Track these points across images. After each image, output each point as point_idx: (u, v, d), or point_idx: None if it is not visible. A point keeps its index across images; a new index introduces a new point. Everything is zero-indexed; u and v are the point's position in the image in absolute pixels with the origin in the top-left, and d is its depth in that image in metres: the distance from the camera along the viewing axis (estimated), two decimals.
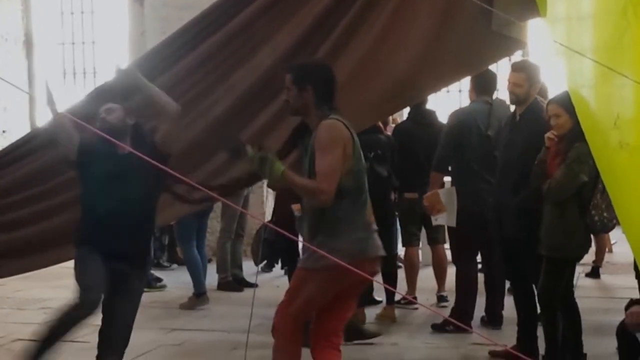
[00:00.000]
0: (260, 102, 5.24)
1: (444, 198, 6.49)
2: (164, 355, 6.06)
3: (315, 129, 4.26)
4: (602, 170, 4.13)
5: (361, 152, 4.37)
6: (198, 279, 7.96)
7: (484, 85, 6.51)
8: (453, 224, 6.50)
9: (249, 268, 8.90)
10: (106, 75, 12.20)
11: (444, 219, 6.55)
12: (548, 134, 5.17)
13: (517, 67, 5.76)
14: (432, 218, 6.66)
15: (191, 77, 5.31)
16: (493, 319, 6.59)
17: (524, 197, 5.42)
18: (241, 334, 6.64)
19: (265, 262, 7.96)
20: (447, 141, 6.48)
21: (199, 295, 7.89)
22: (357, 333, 5.97)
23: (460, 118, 6.53)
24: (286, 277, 7.23)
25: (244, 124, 5.25)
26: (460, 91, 12.22)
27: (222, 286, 8.58)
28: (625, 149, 4.02)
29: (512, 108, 6.10)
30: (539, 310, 5.48)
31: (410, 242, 7.50)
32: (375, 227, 4.42)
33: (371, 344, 6.22)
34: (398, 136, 7.18)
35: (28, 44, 12.54)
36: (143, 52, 10.91)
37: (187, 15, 5.56)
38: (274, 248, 7.16)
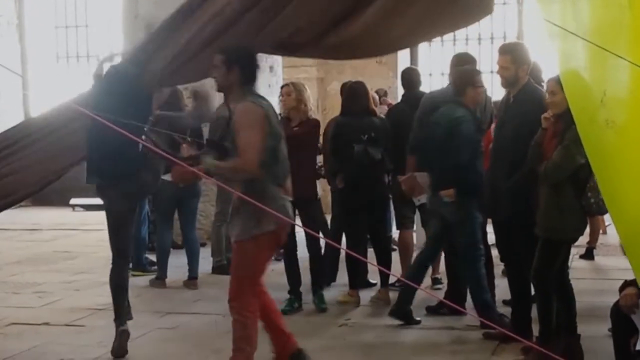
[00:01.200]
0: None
1: (421, 180, 6.50)
2: (158, 339, 6.07)
3: (234, 108, 4.81)
4: (588, 148, 4.18)
5: (278, 130, 4.85)
6: (161, 263, 8.15)
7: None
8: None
9: None
10: (99, 58, 12.27)
11: (425, 198, 6.59)
12: (544, 115, 5.16)
13: (502, 50, 5.75)
14: (415, 200, 6.69)
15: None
16: None
17: (518, 179, 5.42)
18: None
19: None
20: (419, 123, 6.53)
21: (158, 279, 8.03)
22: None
23: (431, 100, 6.55)
24: (281, 261, 7.23)
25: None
26: (442, 74, 12.24)
27: (217, 270, 8.57)
28: (612, 128, 4.07)
29: (493, 95, 6.15)
30: (533, 292, 5.49)
31: (404, 224, 7.51)
32: (289, 197, 4.93)
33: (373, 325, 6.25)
34: (392, 119, 7.18)
35: (21, 27, 12.49)
36: (136, 36, 10.98)
37: None
38: None
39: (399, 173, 6.81)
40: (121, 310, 5.63)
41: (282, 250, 7.12)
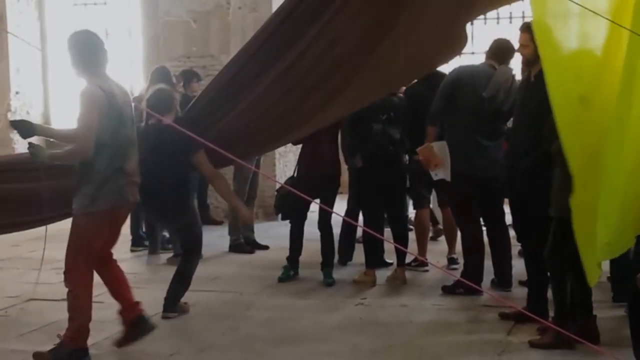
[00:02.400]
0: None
1: (438, 151, 6.51)
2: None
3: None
4: (560, 124, 4.57)
5: (121, 112, 4.98)
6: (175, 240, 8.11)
7: (495, 50, 6.55)
8: (448, 177, 6.57)
9: (260, 230, 8.94)
10: (117, 36, 12.30)
11: (443, 173, 6.59)
12: None
13: (522, 28, 5.77)
14: (432, 174, 6.69)
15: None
16: (503, 281, 6.61)
17: (535, 158, 5.42)
18: (253, 295, 6.73)
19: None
20: (442, 95, 6.55)
21: (176, 256, 8.04)
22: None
23: (459, 74, 6.60)
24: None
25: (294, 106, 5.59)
26: (473, 53, 12.15)
27: (234, 248, 8.62)
28: (583, 104, 4.25)
29: (518, 76, 6.15)
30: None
31: (421, 204, 7.52)
32: (136, 179, 5.12)
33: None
34: (409, 98, 7.16)
35: (40, 4, 12.49)
36: (154, 13, 11.00)
37: None
38: (285, 202, 7.27)
39: (415, 152, 6.81)
40: None
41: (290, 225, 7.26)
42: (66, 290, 5.07)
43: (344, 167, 7.50)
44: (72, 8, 12.84)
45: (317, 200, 6.44)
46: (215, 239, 9.11)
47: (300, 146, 7.32)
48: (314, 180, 6.47)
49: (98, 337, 5.44)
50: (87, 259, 5.04)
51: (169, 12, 10.77)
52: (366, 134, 6.87)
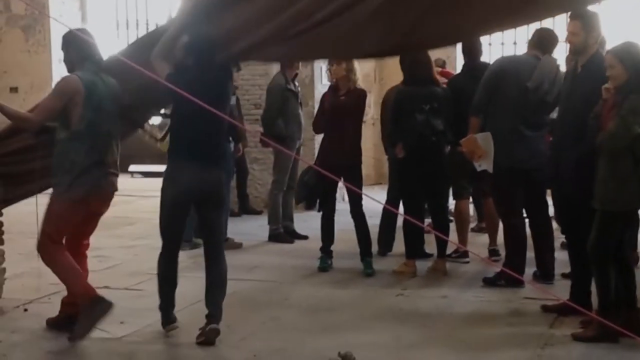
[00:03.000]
0: None
1: (482, 142, 6.44)
2: None
3: None
4: None
5: (100, 105, 5.09)
6: None
7: (538, 39, 6.48)
8: (490, 169, 6.49)
9: (299, 220, 8.93)
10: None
11: (486, 164, 6.51)
12: (605, 86, 5.07)
13: (573, 15, 5.66)
14: (475, 165, 6.61)
15: None
16: (545, 274, 6.53)
17: (582, 150, 5.34)
18: (292, 284, 6.73)
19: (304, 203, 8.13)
20: (485, 86, 6.47)
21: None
22: None
23: (502, 65, 6.54)
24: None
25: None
26: (515, 44, 12.05)
27: (274, 238, 8.63)
28: None
29: (563, 67, 6.07)
30: None
31: (461, 195, 7.47)
32: (113, 169, 5.27)
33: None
34: (452, 89, 7.09)
35: None
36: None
37: None
38: (313, 191, 7.25)
39: (458, 144, 6.74)
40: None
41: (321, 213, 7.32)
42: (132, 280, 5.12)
43: (385, 158, 7.48)
44: None
45: (341, 185, 6.43)
46: (255, 228, 9.15)
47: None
48: (334, 170, 6.42)
49: (139, 324, 5.48)
50: (55, 240, 5.19)
51: None
52: (409, 124, 6.82)
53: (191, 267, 7.43)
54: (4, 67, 12.39)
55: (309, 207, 8.38)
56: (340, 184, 7.35)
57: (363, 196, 6.59)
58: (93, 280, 6.45)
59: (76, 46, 5.24)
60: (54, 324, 5.42)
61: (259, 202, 10.57)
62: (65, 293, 5.50)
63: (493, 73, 6.47)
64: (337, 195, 7.47)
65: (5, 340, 5.18)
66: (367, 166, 13.47)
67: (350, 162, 6.99)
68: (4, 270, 5.83)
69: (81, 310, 5.15)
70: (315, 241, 7.70)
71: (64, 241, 5.28)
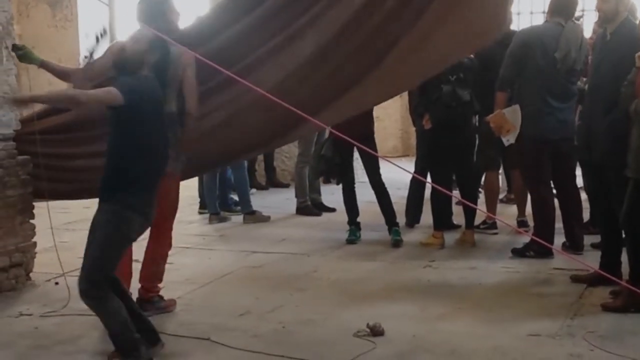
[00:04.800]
0: (347, 41, 5.27)
1: (510, 116, 6.35)
2: (245, 276, 6.15)
3: None
4: None
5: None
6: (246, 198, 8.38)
7: (559, 6, 6.32)
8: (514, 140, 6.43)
9: (327, 192, 8.92)
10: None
11: (514, 137, 6.43)
12: (638, 53, 4.98)
13: None
14: (503, 139, 6.53)
15: (277, 18, 5.37)
16: (574, 244, 6.48)
17: (614, 118, 5.27)
18: (320, 257, 6.73)
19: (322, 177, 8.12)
20: (510, 60, 6.36)
21: (250, 213, 8.24)
22: None
23: (526, 37, 6.41)
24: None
25: (329, 63, 5.31)
26: (531, 13, 11.93)
27: (301, 210, 8.64)
28: None
29: (588, 32, 5.95)
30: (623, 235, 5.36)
31: (490, 166, 7.41)
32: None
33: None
34: (480, 58, 7.01)
35: None
36: None
37: None
38: (330, 164, 7.25)
39: (486, 114, 6.68)
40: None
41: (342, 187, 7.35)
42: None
43: (413, 130, 7.43)
44: None
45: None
46: (283, 201, 9.18)
47: None
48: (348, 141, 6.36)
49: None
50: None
51: None
52: (435, 95, 6.77)
53: (218, 240, 7.50)
54: (32, 42, 12.36)
55: (327, 180, 8.35)
56: (357, 155, 7.33)
57: (390, 168, 6.56)
58: None
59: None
60: None
61: (286, 175, 10.59)
62: None
63: (517, 45, 6.34)
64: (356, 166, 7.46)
65: (36, 313, 5.24)
66: (394, 138, 13.48)
67: (363, 131, 6.84)
68: (34, 244, 5.88)
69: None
70: (342, 213, 7.69)
71: None
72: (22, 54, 5.44)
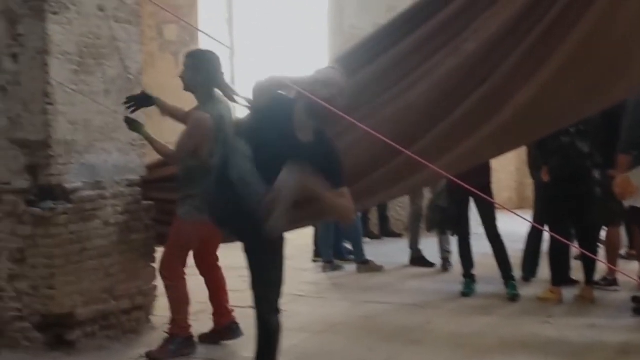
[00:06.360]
0: (465, 90, 5.21)
1: (636, 179, 6.13)
2: (359, 326, 6.14)
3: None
4: None
5: (227, 136, 5.18)
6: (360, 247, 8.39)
7: None
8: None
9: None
10: (301, 51, 12.54)
11: (636, 200, 6.21)
12: None
13: None
14: (624, 203, 6.30)
15: (397, 68, 5.39)
16: None
17: None
18: (434, 309, 6.67)
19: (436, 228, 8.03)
20: (634, 120, 6.10)
21: (364, 263, 8.23)
22: None
23: None
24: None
25: (447, 111, 5.24)
26: None
27: (415, 261, 8.60)
28: None
29: None
30: None
31: (612, 221, 7.21)
32: None
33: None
34: (602, 112, 6.84)
35: (230, 20, 12.95)
36: (339, 27, 11.17)
37: None
38: (445, 215, 7.20)
39: (608, 167, 6.51)
40: None
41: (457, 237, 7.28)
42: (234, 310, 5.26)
43: (529, 182, 7.32)
44: (259, 23, 13.17)
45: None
46: (396, 251, 9.14)
47: None
48: (464, 192, 6.29)
49: (285, 345, 5.54)
50: (182, 257, 5.47)
51: (354, 25, 10.89)
52: (554, 146, 6.66)
53: (331, 289, 7.53)
54: (156, 91, 12.72)
55: (443, 232, 8.28)
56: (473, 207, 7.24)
57: (506, 220, 6.47)
58: (238, 299, 6.61)
59: (211, 68, 5.33)
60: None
61: (399, 225, 10.56)
62: (210, 310, 5.68)
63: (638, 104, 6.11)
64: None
65: None
66: (509, 189, 13.30)
67: (480, 183, 6.77)
68: (155, 287, 6.04)
69: (169, 337, 5.42)
70: (457, 265, 7.62)
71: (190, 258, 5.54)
72: (132, 128, 5.51)
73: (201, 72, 5.33)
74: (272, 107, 4.13)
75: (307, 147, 4.10)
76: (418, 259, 8.58)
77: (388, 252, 9.25)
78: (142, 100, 5.47)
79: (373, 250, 9.02)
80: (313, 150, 4.10)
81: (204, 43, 12.18)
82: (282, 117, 4.12)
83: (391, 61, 5.46)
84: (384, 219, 10.55)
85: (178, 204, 5.40)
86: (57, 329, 5.33)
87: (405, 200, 10.02)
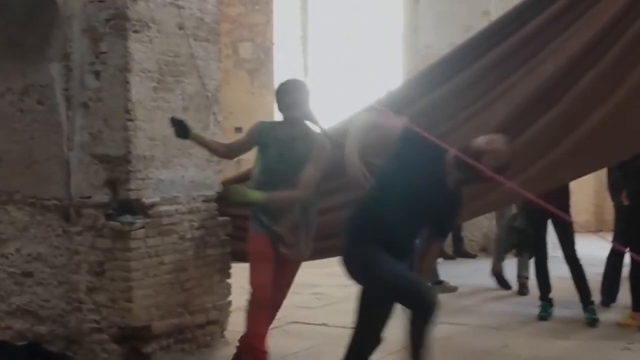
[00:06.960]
0: (540, 109, 5.14)
1: None
2: (433, 347, 6.05)
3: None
4: None
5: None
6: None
7: None
8: None
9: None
10: (375, 70, 12.54)
11: None
12: None
13: None
14: None
15: (474, 87, 5.36)
16: None
17: None
18: (510, 331, 6.55)
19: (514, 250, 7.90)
20: None
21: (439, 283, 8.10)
22: None
23: None
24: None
25: (522, 131, 5.18)
26: None
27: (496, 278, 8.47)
28: None
29: None
30: None
31: None
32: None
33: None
34: None
35: (304, 39, 13.04)
36: (415, 46, 11.16)
37: (461, 10, 5.57)
38: (522, 237, 7.08)
39: None
40: None
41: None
42: (350, 319, 5.15)
43: (607, 204, 7.16)
44: (333, 41, 13.23)
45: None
46: (470, 272, 9.03)
47: None
48: (542, 214, 6.16)
49: None
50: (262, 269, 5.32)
51: (430, 45, 10.84)
52: (633, 170, 6.51)
53: (404, 309, 7.43)
54: (231, 108, 12.97)
55: (519, 254, 8.13)
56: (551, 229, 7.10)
57: (584, 243, 6.34)
58: (311, 317, 6.62)
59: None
60: None
61: (473, 246, 10.44)
62: (284, 327, 5.67)
63: None
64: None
65: None
66: (587, 212, 13.02)
67: (559, 205, 6.64)
68: (229, 302, 6.07)
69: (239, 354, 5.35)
70: (533, 288, 7.48)
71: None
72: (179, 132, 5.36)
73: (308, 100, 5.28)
74: (423, 150, 4.19)
75: (450, 192, 4.24)
76: (498, 278, 8.44)
77: (462, 272, 9.15)
78: (178, 130, 5.32)
79: (447, 270, 8.92)
80: (454, 196, 4.28)
81: (278, 62, 12.33)
82: (434, 161, 4.20)
83: (468, 80, 5.43)
84: (458, 239, 10.44)
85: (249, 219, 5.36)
86: (133, 341, 5.39)
87: (479, 220, 9.91)
